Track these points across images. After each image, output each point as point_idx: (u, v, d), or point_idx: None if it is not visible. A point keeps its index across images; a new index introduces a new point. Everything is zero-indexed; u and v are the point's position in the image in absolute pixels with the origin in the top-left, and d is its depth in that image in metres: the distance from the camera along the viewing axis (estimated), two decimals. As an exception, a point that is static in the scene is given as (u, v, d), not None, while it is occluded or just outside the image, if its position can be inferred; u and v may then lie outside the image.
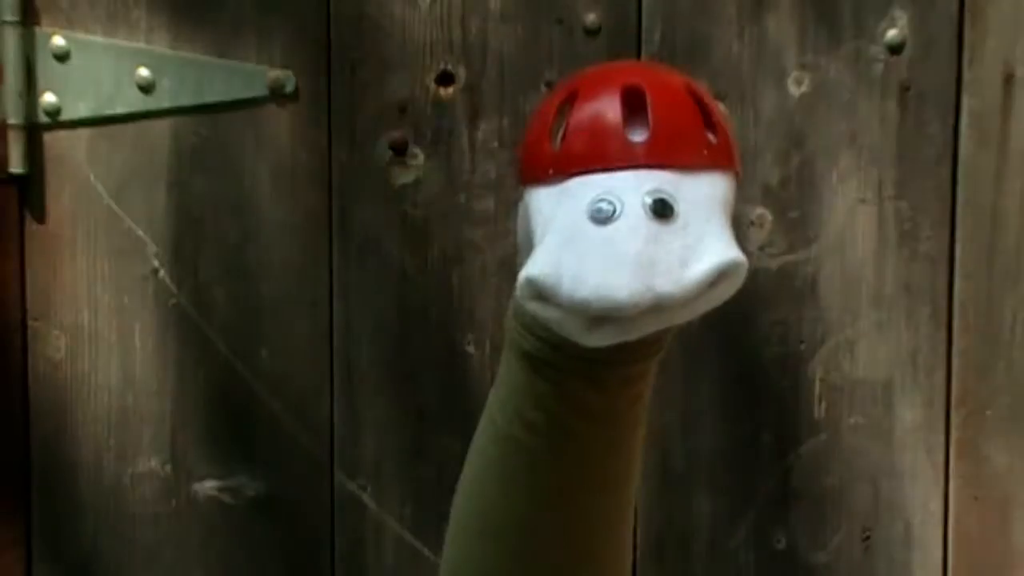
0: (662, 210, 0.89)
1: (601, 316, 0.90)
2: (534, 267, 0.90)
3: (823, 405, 1.58)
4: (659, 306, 0.89)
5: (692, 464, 1.59)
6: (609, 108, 0.92)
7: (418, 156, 1.58)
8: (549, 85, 1.55)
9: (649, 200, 0.89)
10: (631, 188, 0.90)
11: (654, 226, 0.89)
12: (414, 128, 1.58)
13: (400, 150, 1.58)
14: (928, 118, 1.54)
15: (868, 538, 1.59)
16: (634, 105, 0.92)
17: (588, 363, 0.95)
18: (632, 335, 0.91)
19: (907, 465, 1.58)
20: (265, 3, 1.58)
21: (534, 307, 0.91)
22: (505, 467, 1.00)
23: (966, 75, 1.54)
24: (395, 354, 1.60)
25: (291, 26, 1.58)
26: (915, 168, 1.55)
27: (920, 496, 1.58)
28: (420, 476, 1.60)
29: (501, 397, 1.00)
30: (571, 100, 0.93)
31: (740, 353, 1.58)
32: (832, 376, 1.57)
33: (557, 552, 1.00)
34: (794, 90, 1.55)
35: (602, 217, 0.89)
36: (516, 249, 1.00)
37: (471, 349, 1.58)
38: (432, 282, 1.59)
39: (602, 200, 0.90)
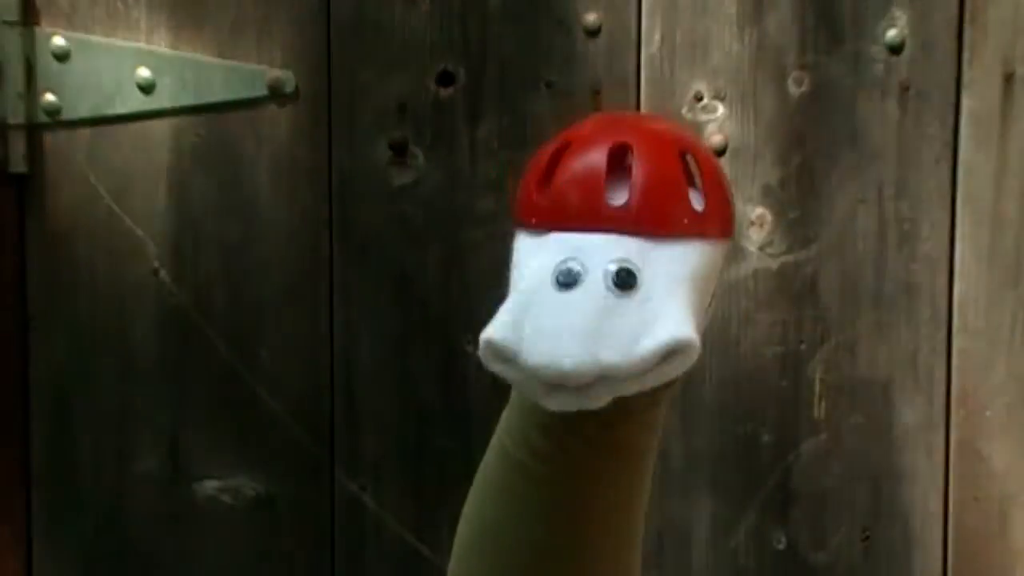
0: (623, 281, 0.90)
1: (551, 383, 0.90)
2: (491, 330, 0.91)
3: (823, 405, 1.58)
4: (605, 377, 0.89)
5: (692, 464, 1.59)
6: (595, 165, 0.93)
7: (418, 156, 1.58)
8: (549, 85, 1.55)
9: (613, 268, 0.90)
10: (599, 253, 0.91)
11: (611, 298, 0.90)
12: (414, 128, 1.58)
13: (400, 150, 1.58)
14: (928, 118, 1.54)
15: (868, 538, 1.59)
16: (619, 169, 0.92)
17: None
18: (586, 404, 0.91)
19: (907, 465, 1.58)
20: (265, 3, 1.58)
21: (496, 368, 0.92)
22: (512, 490, 1.00)
23: (966, 75, 1.54)
24: (395, 354, 1.60)
25: (291, 26, 1.58)
26: (915, 168, 1.55)
27: (920, 496, 1.58)
28: (420, 476, 1.60)
29: (511, 421, 1.01)
30: (564, 148, 0.94)
31: (740, 353, 1.58)
32: (832, 376, 1.57)
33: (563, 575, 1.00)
34: (794, 90, 1.55)
35: (566, 281, 0.90)
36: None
37: (471, 349, 1.58)
38: (432, 282, 1.59)
39: (570, 260, 0.91)
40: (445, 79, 1.57)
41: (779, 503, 1.59)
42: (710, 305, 0.96)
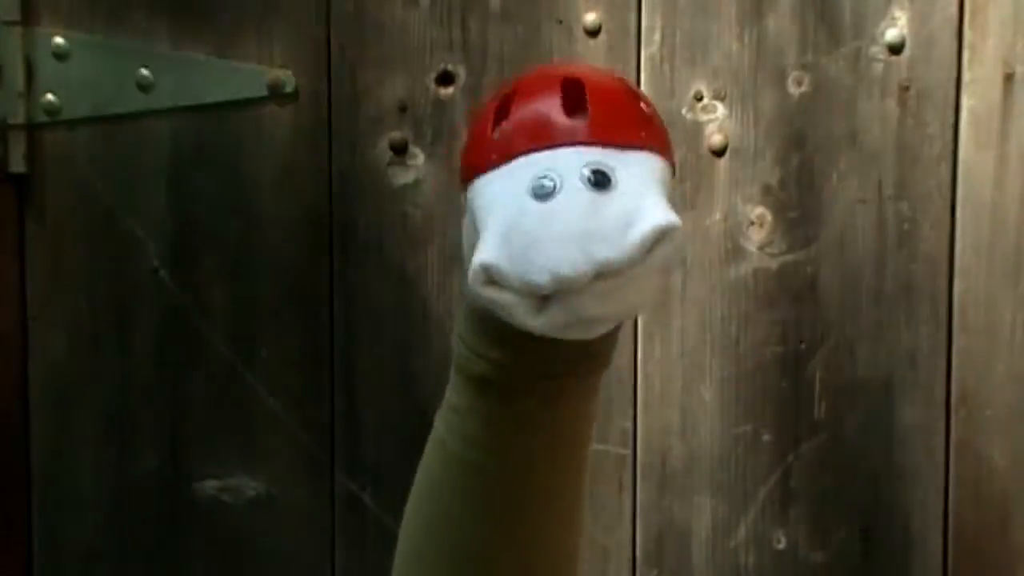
0: (600, 180, 0.91)
1: (551, 294, 0.90)
2: (485, 253, 0.92)
3: (823, 405, 1.58)
4: (602, 273, 0.89)
5: (692, 464, 1.59)
6: (548, 96, 0.94)
7: (418, 156, 1.58)
8: (549, 85, 1.56)
9: (587, 172, 0.91)
10: (570, 162, 0.92)
11: (593, 196, 0.91)
12: (414, 128, 1.58)
13: (400, 150, 1.58)
14: (928, 118, 1.54)
15: (868, 538, 1.59)
16: (573, 99, 0.94)
17: (536, 381, 0.96)
18: (584, 316, 0.92)
19: (907, 465, 1.58)
20: (265, 3, 1.58)
21: (489, 293, 0.92)
22: (455, 487, 1.01)
23: (966, 75, 1.54)
24: (395, 354, 1.60)
25: (291, 26, 1.58)
26: (915, 168, 1.55)
27: (920, 496, 1.58)
28: (420, 476, 1.60)
29: (448, 419, 1.01)
30: (511, 96, 0.96)
31: (740, 353, 1.58)
32: (832, 376, 1.57)
33: (508, 570, 1.01)
34: (794, 90, 1.55)
35: (543, 193, 0.91)
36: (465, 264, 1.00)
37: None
38: (432, 282, 1.59)
39: (543, 177, 0.92)
40: (445, 79, 1.57)
41: (779, 503, 1.59)
42: None
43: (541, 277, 0.90)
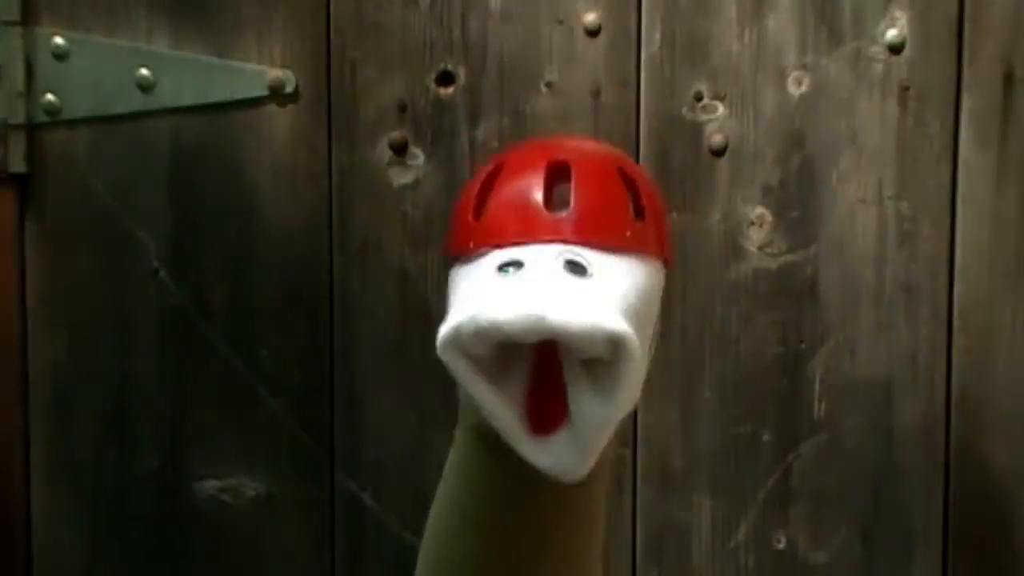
0: (573, 267, 0.87)
1: (501, 341, 0.87)
2: (442, 327, 0.89)
3: (823, 405, 1.58)
4: (545, 335, 0.85)
5: (692, 464, 1.59)
6: (532, 183, 0.90)
7: (418, 156, 1.58)
8: (549, 85, 1.56)
9: (563, 260, 0.88)
10: (545, 253, 0.88)
11: (563, 273, 0.87)
12: (414, 128, 1.58)
13: (400, 150, 1.58)
14: (928, 118, 1.54)
15: (868, 538, 1.59)
16: (558, 186, 0.90)
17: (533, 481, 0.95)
18: (549, 464, 0.90)
19: (907, 465, 1.58)
20: (265, 3, 1.58)
21: (446, 358, 0.89)
22: (459, 531, 1.00)
23: (966, 75, 1.54)
24: (395, 354, 1.60)
25: (291, 26, 1.58)
26: (915, 168, 1.55)
27: (920, 496, 1.58)
28: (420, 476, 1.60)
29: (460, 470, 1.00)
30: (497, 173, 0.92)
31: (740, 353, 1.58)
32: (832, 376, 1.57)
33: None
34: (794, 90, 1.55)
35: (511, 271, 0.88)
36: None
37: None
38: (432, 282, 1.59)
39: (514, 263, 0.88)
40: (445, 79, 1.57)
41: (779, 503, 1.59)
42: (655, 331, 0.93)
43: (488, 323, 0.86)
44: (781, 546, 1.59)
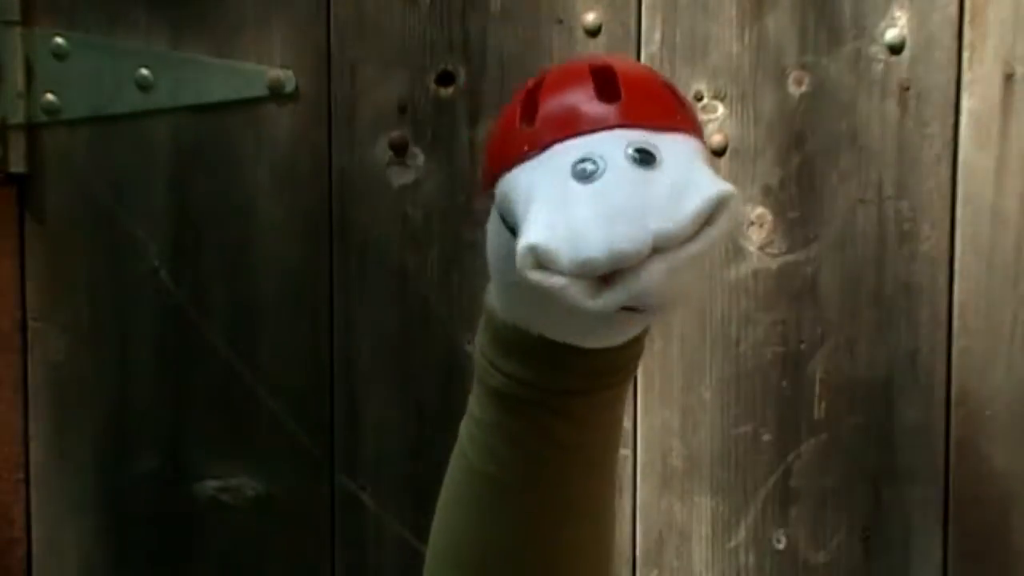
0: (645, 158, 0.88)
1: (608, 272, 0.87)
2: (532, 235, 0.87)
3: (823, 405, 1.58)
4: (660, 246, 0.86)
5: (692, 464, 1.59)
6: (580, 83, 0.91)
7: (418, 156, 1.58)
8: (549, 85, 1.55)
9: (631, 151, 0.88)
10: (612, 144, 0.88)
11: (641, 172, 0.87)
12: (414, 128, 1.58)
13: (400, 150, 1.58)
14: (928, 118, 1.54)
15: (868, 538, 1.59)
16: (604, 87, 0.91)
17: (560, 395, 0.94)
18: (642, 296, 0.88)
19: (907, 465, 1.58)
20: (265, 3, 1.58)
21: (537, 277, 0.89)
22: (479, 501, 0.99)
23: (966, 75, 1.54)
24: (395, 354, 1.60)
25: (291, 26, 1.58)
26: (915, 168, 1.55)
27: (920, 496, 1.58)
28: (420, 476, 1.60)
29: (472, 432, 0.99)
30: (538, 89, 0.93)
31: (740, 353, 1.58)
32: (832, 376, 1.57)
33: None
34: (794, 90, 1.55)
35: (587, 175, 0.87)
36: (485, 307, 0.98)
37: (471, 349, 1.58)
38: (432, 282, 1.59)
39: (585, 160, 0.88)
40: (445, 79, 1.57)
41: (779, 503, 1.59)
42: None
43: (598, 254, 0.85)
44: (781, 546, 1.59)
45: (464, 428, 1.00)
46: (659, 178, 0.88)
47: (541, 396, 0.95)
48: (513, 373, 0.95)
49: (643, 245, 0.86)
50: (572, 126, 0.90)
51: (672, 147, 0.90)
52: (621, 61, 0.94)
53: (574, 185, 0.88)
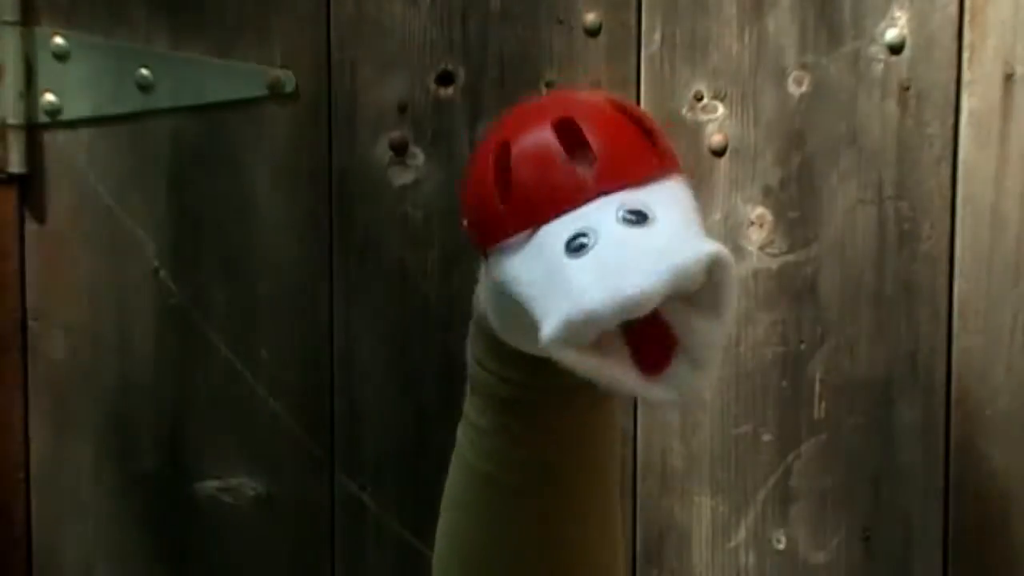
0: (639, 219, 0.86)
1: (620, 320, 0.86)
2: (548, 331, 0.85)
3: (823, 405, 1.58)
4: (676, 283, 0.84)
5: (692, 464, 1.59)
6: (548, 147, 0.87)
7: (418, 156, 1.58)
8: (549, 85, 1.55)
9: (622, 214, 0.85)
10: (601, 214, 0.86)
11: (635, 231, 0.85)
12: (414, 128, 1.58)
13: (400, 150, 1.58)
14: (928, 118, 1.54)
15: (868, 538, 1.59)
16: (573, 143, 0.88)
17: (557, 392, 0.94)
18: (697, 376, 0.88)
19: (907, 465, 1.58)
20: (265, 3, 1.58)
21: (570, 358, 0.86)
22: (481, 504, 0.99)
23: (966, 75, 1.54)
24: (395, 354, 1.60)
25: (291, 26, 1.58)
26: (915, 168, 1.55)
27: (920, 496, 1.58)
28: (420, 476, 1.60)
29: (471, 436, 0.99)
30: (505, 150, 0.90)
31: (740, 353, 1.58)
32: (832, 376, 1.57)
33: None
34: (794, 90, 1.55)
35: (583, 248, 0.85)
36: (474, 314, 0.98)
37: (471, 349, 1.58)
38: (432, 282, 1.59)
39: (577, 237, 0.85)
40: (445, 79, 1.57)
41: (779, 503, 1.59)
42: None
43: (600, 306, 0.83)
44: (781, 546, 1.59)
45: (462, 432, 1.00)
46: (657, 229, 0.86)
47: (539, 396, 0.95)
48: (510, 377, 0.95)
49: (659, 286, 0.83)
50: (554, 205, 0.86)
51: (661, 199, 0.87)
52: (581, 104, 0.90)
53: (571, 262, 0.85)
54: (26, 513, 1.65)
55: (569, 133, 0.88)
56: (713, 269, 0.85)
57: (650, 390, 0.87)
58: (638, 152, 0.88)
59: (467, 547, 1.02)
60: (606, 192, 0.87)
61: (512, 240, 0.88)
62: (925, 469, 1.58)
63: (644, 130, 0.89)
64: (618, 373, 0.87)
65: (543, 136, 0.88)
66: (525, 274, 0.88)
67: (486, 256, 0.91)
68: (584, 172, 0.87)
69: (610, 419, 0.99)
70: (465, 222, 0.91)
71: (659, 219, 0.86)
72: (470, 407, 0.99)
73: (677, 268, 0.84)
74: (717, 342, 0.87)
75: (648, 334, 0.87)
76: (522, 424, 0.96)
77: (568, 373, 0.91)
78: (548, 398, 0.95)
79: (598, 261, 0.85)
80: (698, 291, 0.86)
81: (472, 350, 0.98)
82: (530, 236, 0.88)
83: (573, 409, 0.95)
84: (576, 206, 0.87)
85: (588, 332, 0.85)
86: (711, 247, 0.85)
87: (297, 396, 1.61)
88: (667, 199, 0.88)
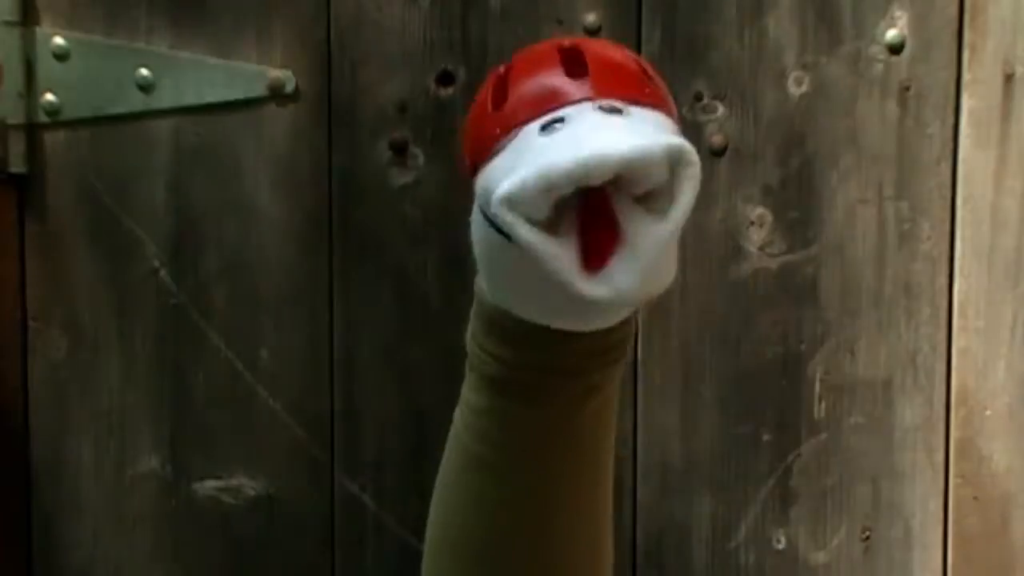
0: (612, 109, 0.88)
1: (582, 183, 0.87)
2: (504, 186, 0.87)
3: (823, 405, 1.58)
4: (635, 162, 0.86)
5: (692, 464, 1.59)
6: (549, 64, 0.91)
7: (418, 156, 1.58)
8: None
9: (599, 106, 0.88)
10: (580, 107, 0.89)
11: (608, 117, 0.88)
12: (414, 128, 1.58)
13: (400, 150, 1.58)
14: (928, 118, 1.54)
15: (868, 538, 1.59)
16: (574, 66, 0.91)
17: (550, 376, 0.95)
18: (636, 274, 0.88)
19: (907, 465, 1.58)
20: (265, 3, 1.58)
21: (522, 232, 0.88)
22: (473, 485, 1.00)
23: (966, 75, 1.54)
24: (395, 354, 1.60)
25: (291, 26, 1.58)
26: (915, 168, 1.55)
27: (920, 496, 1.58)
28: (420, 476, 1.60)
29: (466, 417, 1.00)
30: (507, 74, 0.93)
31: (740, 353, 1.58)
32: (832, 376, 1.57)
33: (534, 569, 1.00)
34: (794, 90, 1.55)
35: (555, 130, 0.88)
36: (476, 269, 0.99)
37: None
38: (432, 282, 1.59)
39: (554, 123, 0.88)
40: (445, 79, 1.57)
41: (779, 503, 1.59)
42: None
43: (566, 166, 0.85)
44: (781, 546, 1.59)
45: (458, 414, 1.01)
46: (628, 120, 0.88)
47: (532, 378, 0.95)
48: (504, 356, 0.95)
49: (615, 156, 0.86)
50: (542, 104, 0.90)
51: (640, 112, 0.90)
52: (590, 41, 0.94)
53: (541, 138, 0.88)
54: (26, 513, 1.65)
55: (573, 59, 0.91)
56: (676, 163, 0.87)
57: (585, 284, 0.88)
58: (632, 78, 0.91)
59: (454, 530, 1.02)
60: (592, 99, 0.89)
61: (497, 145, 0.91)
62: (925, 469, 1.58)
63: (643, 69, 0.92)
64: (560, 256, 0.89)
65: (545, 51, 0.92)
66: (500, 171, 0.90)
67: (476, 186, 0.93)
68: (579, 82, 0.90)
69: (605, 411, 0.99)
70: (461, 147, 0.93)
71: (634, 115, 0.89)
72: (466, 386, 1.00)
73: (641, 145, 0.86)
74: (660, 243, 0.88)
75: (597, 226, 0.89)
76: (515, 406, 0.96)
77: (561, 357, 0.92)
78: (541, 381, 0.95)
79: (567, 135, 0.88)
80: (655, 191, 0.87)
81: (470, 329, 0.99)
82: (513, 137, 0.90)
83: (566, 395, 0.95)
84: (560, 106, 0.89)
85: (542, 195, 0.87)
86: (679, 140, 0.87)
87: (297, 396, 1.61)
88: (648, 116, 0.90)
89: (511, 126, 0.91)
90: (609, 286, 0.88)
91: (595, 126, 0.87)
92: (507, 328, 0.95)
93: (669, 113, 0.92)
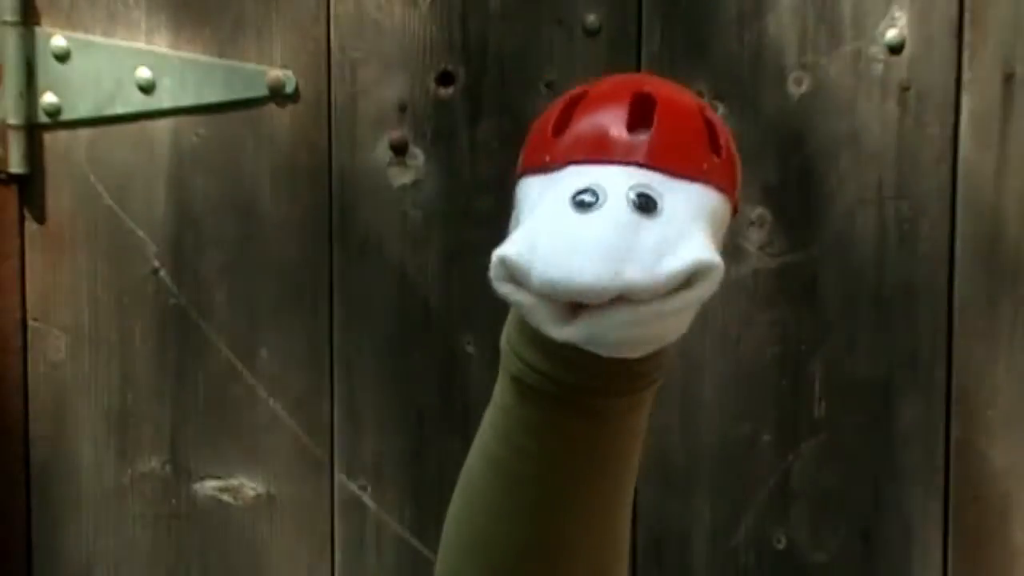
0: (645, 204, 0.88)
1: (571, 300, 0.88)
2: (509, 247, 0.89)
3: (823, 405, 1.58)
4: (627, 294, 0.87)
5: (692, 464, 1.59)
6: (615, 106, 0.91)
7: (418, 156, 1.58)
8: (549, 85, 1.55)
9: (633, 194, 0.88)
10: (618, 181, 0.89)
11: (634, 217, 0.88)
12: (414, 128, 1.58)
13: (400, 150, 1.58)
14: (928, 118, 1.54)
15: (868, 538, 1.59)
16: (641, 115, 0.90)
17: (578, 393, 0.95)
18: (604, 338, 0.90)
19: (907, 465, 1.58)
20: (265, 3, 1.58)
21: (506, 290, 0.90)
22: (491, 488, 1.00)
23: (966, 75, 1.54)
24: (395, 354, 1.60)
25: (291, 26, 1.58)
26: (915, 168, 1.55)
27: (920, 496, 1.58)
28: (420, 476, 1.60)
29: (494, 418, 1.00)
30: (579, 100, 0.93)
31: (740, 353, 1.58)
32: (832, 376, 1.57)
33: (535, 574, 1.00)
34: (794, 90, 1.55)
35: (584, 206, 0.88)
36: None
37: (471, 349, 1.58)
38: (432, 282, 1.59)
39: (587, 190, 0.89)
40: (445, 79, 1.57)
41: (779, 503, 1.59)
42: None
43: (559, 281, 0.87)
44: (781, 546, 1.59)
45: (487, 414, 1.01)
46: (651, 228, 0.88)
47: (556, 390, 0.95)
48: (532, 363, 0.95)
49: (607, 286, 0.87)
50: (593, 151, 0.90)
51: (681, 198, 0.89)
52: (668, 90, 0.93)
53: (568, 211, 0.88)
54: (26, 513, 1.65)
55: (644, 109, 0.91)
56: (692, 278, 0.87)
57: (554, 327, 0.90)
58: (692, 149, 0.90)
59: (467, 529, 1.02)
60: (641, 165, 0.89)
61: (543, 166, 0.92)
62: (925, 469, 1.58)
63: (714, 139, 0.91)
64: (536, 305, 0.90)
65: (617, 97, 0.92)
66: (535, 196, 0.91)
67: (516, 191, 0.94)
68: (634, 138, 0.90)
69: (631, 432, 0.99)
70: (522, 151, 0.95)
71: (665, 213, 0.88)
72: (497, 388, 1.00)
73: (631, 280, 0.86)
74: (642, 314, 0.89)
75: None
76: (538, 413, 0.96)
77: (586, 375, 0.93)
78: (565, 394, 0.95)
79: (582, 229, 0.88)
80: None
81: (506, 330, 0.98)
82: (558, 169, 0.91)
83: (588, 410, 0.95)
84: (607, 161, 0.89)
85: (530, 284, 0.88)
86: (685, 265, 0.87)
87: (297, 396, 1.61)
88: (686, 202, 0.89)
89: (559, 158, 0.91)
90: (582, 331, 0.89)
91: (616, 232, 0.87)
92: (540, 338, 0.95)
93: (727, 190, 0.91)
